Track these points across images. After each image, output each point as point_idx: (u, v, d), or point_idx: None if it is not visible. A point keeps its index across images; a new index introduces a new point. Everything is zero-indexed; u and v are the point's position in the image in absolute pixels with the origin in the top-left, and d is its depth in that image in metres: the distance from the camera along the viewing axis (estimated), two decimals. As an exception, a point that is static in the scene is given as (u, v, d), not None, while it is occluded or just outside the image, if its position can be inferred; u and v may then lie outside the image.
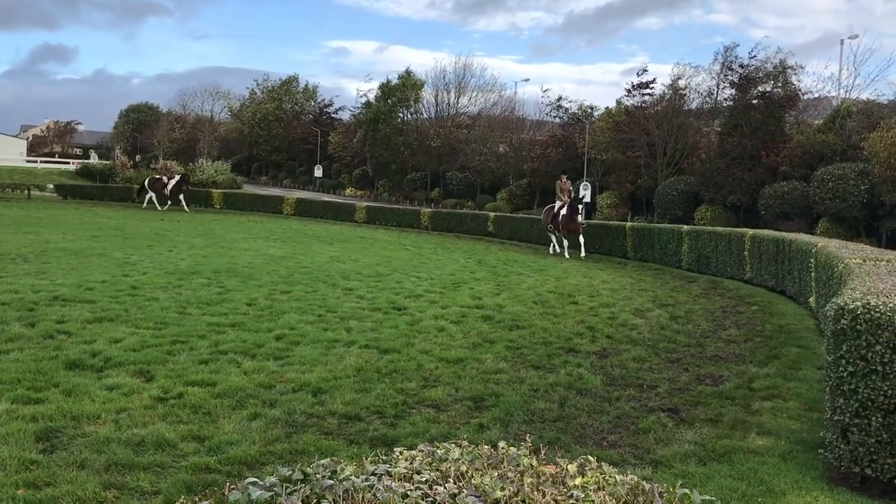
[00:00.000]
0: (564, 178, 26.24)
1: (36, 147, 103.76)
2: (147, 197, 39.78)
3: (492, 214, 33.52)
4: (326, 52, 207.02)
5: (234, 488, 2.17)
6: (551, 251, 24.97)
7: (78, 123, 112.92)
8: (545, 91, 68.00)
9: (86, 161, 79.58)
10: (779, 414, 6.83)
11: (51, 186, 53.12)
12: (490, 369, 8.19)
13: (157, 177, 41.35)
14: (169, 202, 39.04)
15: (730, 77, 36.18)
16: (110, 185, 52.73)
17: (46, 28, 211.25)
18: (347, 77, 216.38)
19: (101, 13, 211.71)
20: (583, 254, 23.52)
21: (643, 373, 8.32)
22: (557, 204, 25.02)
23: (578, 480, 2.25)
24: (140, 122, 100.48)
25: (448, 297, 13.39)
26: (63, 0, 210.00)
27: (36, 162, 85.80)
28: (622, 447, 5.88)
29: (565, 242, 24.26)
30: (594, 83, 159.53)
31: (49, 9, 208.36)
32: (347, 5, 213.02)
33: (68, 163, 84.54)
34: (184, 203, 39.05)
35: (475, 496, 2.09)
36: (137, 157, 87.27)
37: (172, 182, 39.32)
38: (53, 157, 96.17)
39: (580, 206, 25.70)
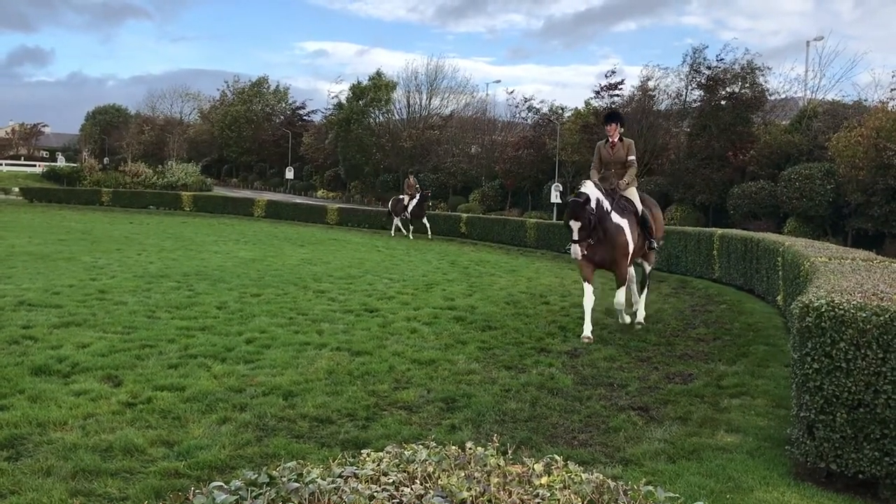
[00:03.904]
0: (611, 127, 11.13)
1: (0, 150, 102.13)
2: (394, 223, 32.06)
3: (464, 215, 33.59)
4: (306, 54, 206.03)
5: (198, 492, 2.15)
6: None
7: (44, 126, 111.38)
8: (510, 93, 67.91)
9: (53, 164, 78.62)
10: (747, 411, 6.91)
11: (16, 189, 52.43)
12: (462, 370, 8.20)
13: (400, 197, 32.56)
14: (412, 227, 31.29)
15: (697, 79, 36.57)
16: (77, 187, 52.16)
17: (23, 30, 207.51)
18: (327, 79, 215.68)
19: (79, 15, 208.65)
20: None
21: (613, 372, 8.37)
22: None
23: (544, 479, 2.26)
24: (108, 124, 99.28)
25: (420, 298, 13.38)
26: (41, 2, 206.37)
27: (1, 165, 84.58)
28: (593, 446, 5.91)
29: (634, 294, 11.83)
30: (570, 85, 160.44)
31: (26, 11, 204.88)
32: (328, 8, 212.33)
33: (35, 165, 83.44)
34: (428, 227, 30.91)
35: (441, 497, 2.10)
36: (105, 160, 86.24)
37: (413, 202, 31.08)
38: (19, 159, 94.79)
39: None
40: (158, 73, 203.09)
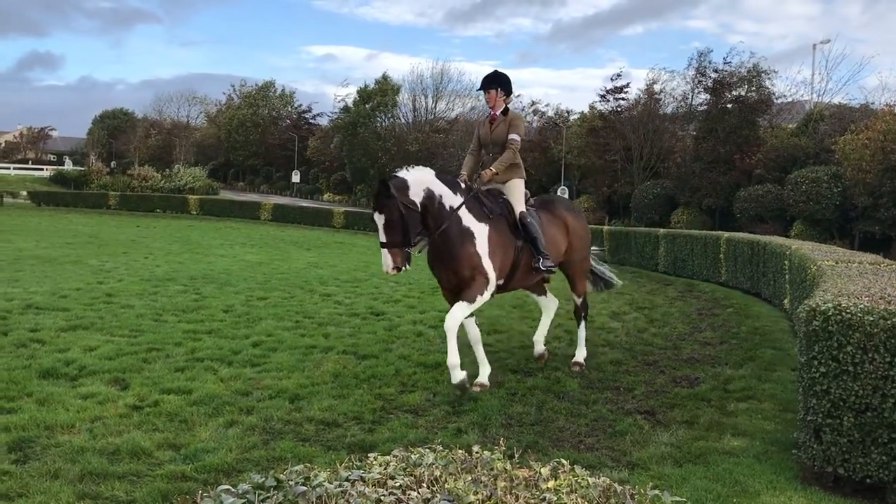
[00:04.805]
0: None
1: (8, 153, 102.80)
2: None
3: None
4: (313, 58, 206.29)
5: (206, 496, 2.16)
6: None
7: (52, 129, 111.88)
8: (517, 97, 67.97)
9: (60, 167, 79.00)
10: (754, 415, 6.89)
11: (24, 193, 52.70)
12: (468, 374, 8.18)
13: None
14: None
15: (704, 82, 36.56)
16: (85, 191, 52.38)
17: (35, 35, 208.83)
18: (334, 83, 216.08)
19: (89, 20, 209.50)
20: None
21: (620, 375, 8.36)
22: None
23: (551, 483, 2.26)
24: (115, 127, 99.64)
25: (426, 301, 13.38)
26: (52, 8, 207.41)
27: (9, 168, 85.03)
28: (599, 450, 5.90)
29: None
30: (577, 89, 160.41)
31: (38, 16, 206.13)
32: (336, 13, 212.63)
33: (42, 169, 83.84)
34: None
35: (448, 501, 2.10)
36: (112, 164, 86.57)
37: None
38: (27, 163, 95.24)
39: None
40: (167, 76, 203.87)
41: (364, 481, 2.27)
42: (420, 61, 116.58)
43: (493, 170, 7.95)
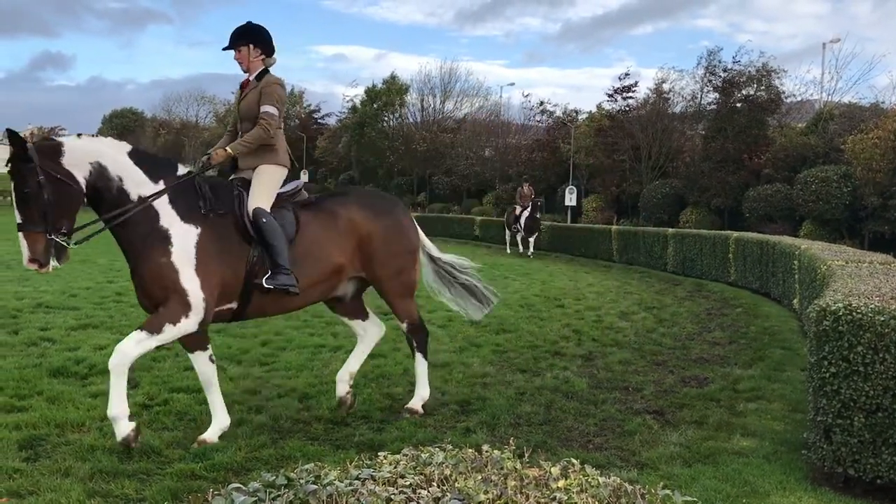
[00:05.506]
0: None
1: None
2: (508, 238, 27.85)
3: (478, 218, 33.63)
4: (322, 58, 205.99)
5: (217, 494, 2.17)
6: None
7: (62, 129, 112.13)
8: (526, 96, 67.96)
9: (69, 167, 79.26)
10: (763, 415, 6.87)
11: (34, 193, 52.91)
12: (476, 373, 8.21)
13: (512, 208, 28.04)
14: (530, 243, 26.28)
15: (713, 81, 36.43)
16: (94, 191, 52.61)
17: (46, 36, 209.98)
18: (344, 83, 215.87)
19: (100, 21, 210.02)
20: None
21: (629, 375, 8.35)
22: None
23: (562, 483, 2.26)
24: (124, 127, 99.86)
25: (434, 301, 13.33)
26: (64, 8, 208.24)
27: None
28: (608, 449, 5.90)
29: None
30: (584, 89, 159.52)
31: (50, 17, 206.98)
32: (344, 13, 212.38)
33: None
34: (530, 245, 26.17)
35: (459, 500, 2.10)
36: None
37: (525, 213, 26.35)
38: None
39: None
40: (177, 76, 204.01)
41: (374, 480, 2.28)
42: (428, 61, 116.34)
43: (229, 150, 6.09)
